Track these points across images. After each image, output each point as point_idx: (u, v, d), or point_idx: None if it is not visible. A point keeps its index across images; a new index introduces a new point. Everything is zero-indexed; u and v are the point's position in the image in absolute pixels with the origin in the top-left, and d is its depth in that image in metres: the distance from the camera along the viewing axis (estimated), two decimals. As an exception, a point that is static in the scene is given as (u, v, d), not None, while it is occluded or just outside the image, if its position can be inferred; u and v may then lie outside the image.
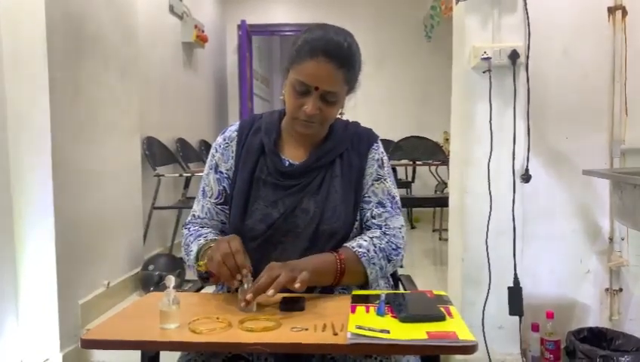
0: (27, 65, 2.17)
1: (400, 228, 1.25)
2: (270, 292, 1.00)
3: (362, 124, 1.34)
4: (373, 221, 1.24)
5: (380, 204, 1.25)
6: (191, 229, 1.27)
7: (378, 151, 1.30)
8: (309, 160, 1.24)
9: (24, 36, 2.16)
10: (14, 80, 2.17)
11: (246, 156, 1.25)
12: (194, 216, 1.30)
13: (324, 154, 1.24)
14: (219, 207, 1.27)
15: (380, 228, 1.23)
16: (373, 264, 1.18)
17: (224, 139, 1.30)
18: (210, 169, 1.29)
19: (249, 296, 1.00)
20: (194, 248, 1.20)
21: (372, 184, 1.27)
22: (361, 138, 1.29)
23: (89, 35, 2.56)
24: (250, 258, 1.11)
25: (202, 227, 1.27)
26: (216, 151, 1.29)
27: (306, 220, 1.19)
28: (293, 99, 1.17)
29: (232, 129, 1.31)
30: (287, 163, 1.25)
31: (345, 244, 1.20)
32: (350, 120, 1.34)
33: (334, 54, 1.13)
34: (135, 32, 3.10)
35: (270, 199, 1.21)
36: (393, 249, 1.22)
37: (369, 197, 1.26)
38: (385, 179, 1.28)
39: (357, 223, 1.24)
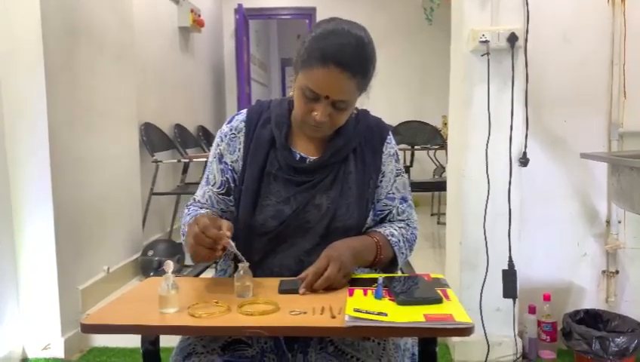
0: (23, 53, 2.16)
1: (417, 220, 1.32)
2: (300, 289, 1.04)
3: (361, 108, 1.31)
4: (399, 217, 1.28)
5: (403, 199, 1.29)
6: (190, 209, 1.27)
7: (392, 145, 1.29)
8: (323, 157, 1.22)
9: (19, 23, 2.15)
10: (10, 67, 2.15)
11: (255, 150, 1.22)
12: (194, 199, 1.29)
13: (338, 151, 1.22)
14: (220, 196, 1.26)
15: (404, 221, 1.28)
16: (402, 253, 1.24)
17: (230, 129, 1.26)
18: (214, 157, 1.27)
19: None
20: (190, 221, 1.19)
21: (394, 181, 1.28)
22: (373, 132, 1.27)
23: (84, 21, 2.53)
24: (260, 252, 1.17)
25: (201, 208, 1.27)
26: (222, 140, 1.26)
27: (318, 216, 1.18)
28: (302, 104, 1.14)
29: (240, 119, 1.27)
30: (299, 156, 1.23)
31: (378, 230, 1.23)
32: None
33: (347, 63, 1.07)
34: (130, 17, 3.07)
35: (282, 195, 1.19)
36: (414, 239, 1.30)
37: (393, 193, 1.27)
38: (403, 172, 1.30)
39: (369, 218, 1.25)
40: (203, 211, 1.24)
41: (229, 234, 1.04)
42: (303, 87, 1.12)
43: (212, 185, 1.26)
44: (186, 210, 1.28)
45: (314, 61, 1.08)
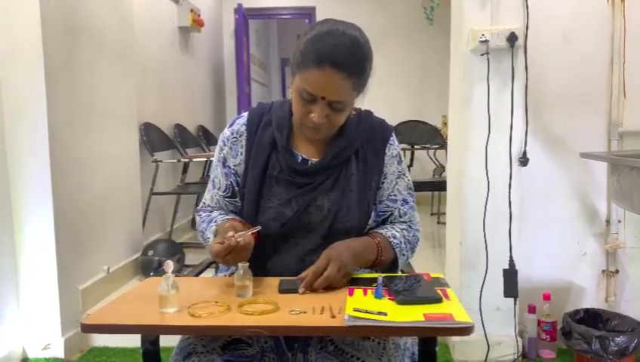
0: (23, 53, 2.16)
1: (419, 222, 1.32)
2: (300, 288, 1.05)
3: (363, 108, 1.31)
4: (400, 219, 1.28)
5: (405, 201, 1.28)
6: (202, 215, 1.28)
7: (394, 146, 1.28)
8: (325, 159, 1.22)
9: (19, 23, 2.14)
10: (10, 67, 2.15)
11: (257, 153, 1.22)
12: (204, 203, 1.31)
13: (340, 153, 1.22)
14: (227, 199, 1.27)
15: (406, 223, 1.28)
16: (403, 255, 1.24)
17: (232, 133, 1.27)
18: (219, 161, 1.28)
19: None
20: (210, 236, 1.21)
21: (396, 183, 1.27)
22: (376, 132, 1.27)
23: (84, 21, 2.53)
24: (262, 252, 1.17)
25: (211, 211, 1.28)
26: (224, 144, 1.27)
27: (320, 217, 1.19)
28: (300, 106, 1.14)
29: (241, 122, 1.27)
30: (301, 158, 1.23)
31: (379, 231, 1.23)
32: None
33: (342, 64, 1.07)
34: (130, 17, 3.07)
35: (284, 197, 1.19)
36: (416, 241, 1.30)
37: (394, 195, 1.27)
38: (405, 174, 1.30)
39: (371, 219, 1.25)
40: (215, 213, 1.25)
41: (230, 234, 1.05)
42: (300, 89, 1.12)
43: (218, 189, 1.28)
44: (198, 218, 1.30)
45: (309, 62, 1.09)
